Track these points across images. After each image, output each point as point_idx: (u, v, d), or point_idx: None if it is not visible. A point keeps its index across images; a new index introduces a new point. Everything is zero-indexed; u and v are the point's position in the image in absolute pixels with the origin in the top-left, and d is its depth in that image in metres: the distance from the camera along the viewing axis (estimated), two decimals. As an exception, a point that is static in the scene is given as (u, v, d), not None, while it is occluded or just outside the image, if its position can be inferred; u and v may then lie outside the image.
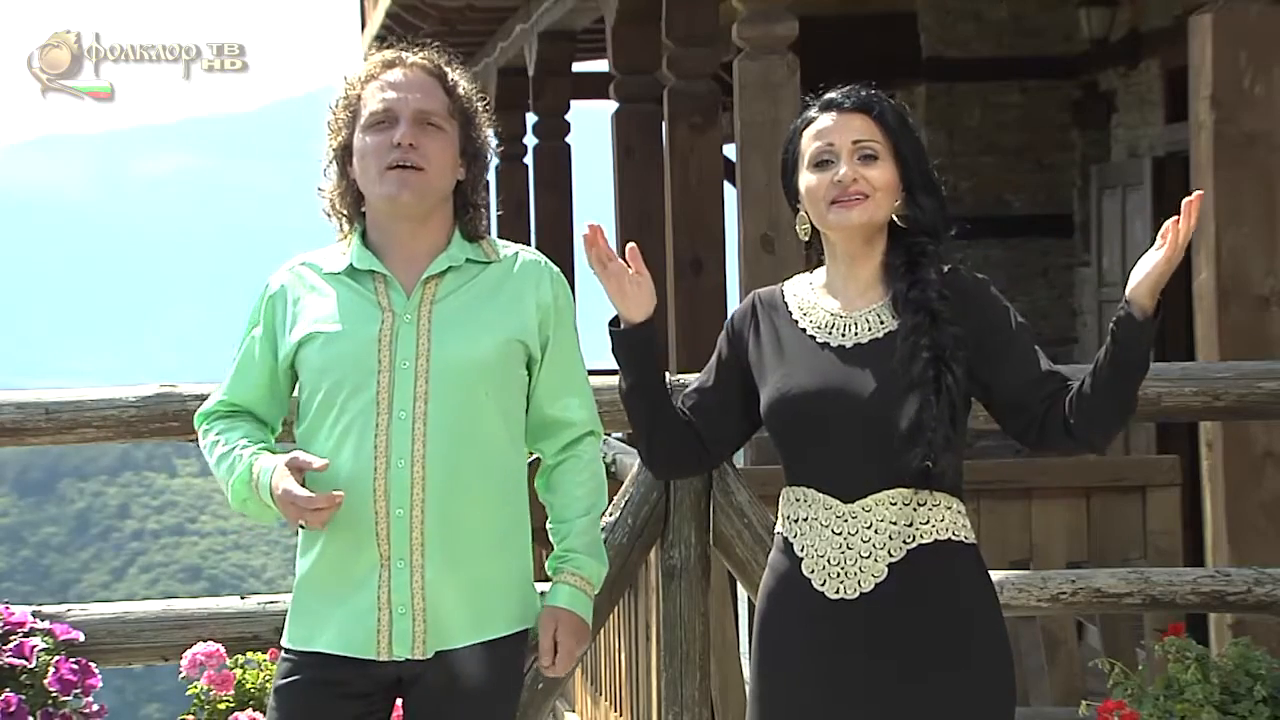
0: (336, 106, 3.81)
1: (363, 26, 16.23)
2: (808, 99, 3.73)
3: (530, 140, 13.43)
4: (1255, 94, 5.66)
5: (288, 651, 3.80)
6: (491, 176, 16.59)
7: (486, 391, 3.75)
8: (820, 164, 3.62)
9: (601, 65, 12.77)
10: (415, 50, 3.85)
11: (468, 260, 3.79)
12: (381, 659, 3.71)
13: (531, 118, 13.12)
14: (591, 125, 15.24)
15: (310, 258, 3.86)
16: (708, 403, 3.77)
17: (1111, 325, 3.58)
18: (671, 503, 4.75)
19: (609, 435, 7.19)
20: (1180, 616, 5.14)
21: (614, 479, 6.72)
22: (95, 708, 4.40)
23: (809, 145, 3.64)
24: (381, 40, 14.70)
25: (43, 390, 4.76)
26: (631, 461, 5.39)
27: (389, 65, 3.79)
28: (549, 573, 3.90)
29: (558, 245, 12.65)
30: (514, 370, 3.79)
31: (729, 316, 3.82)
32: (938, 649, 3.53)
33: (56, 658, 4.37)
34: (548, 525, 3.94)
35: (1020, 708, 5.77)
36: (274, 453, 3.78)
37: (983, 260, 12.63)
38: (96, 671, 4.42)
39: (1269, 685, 4.37)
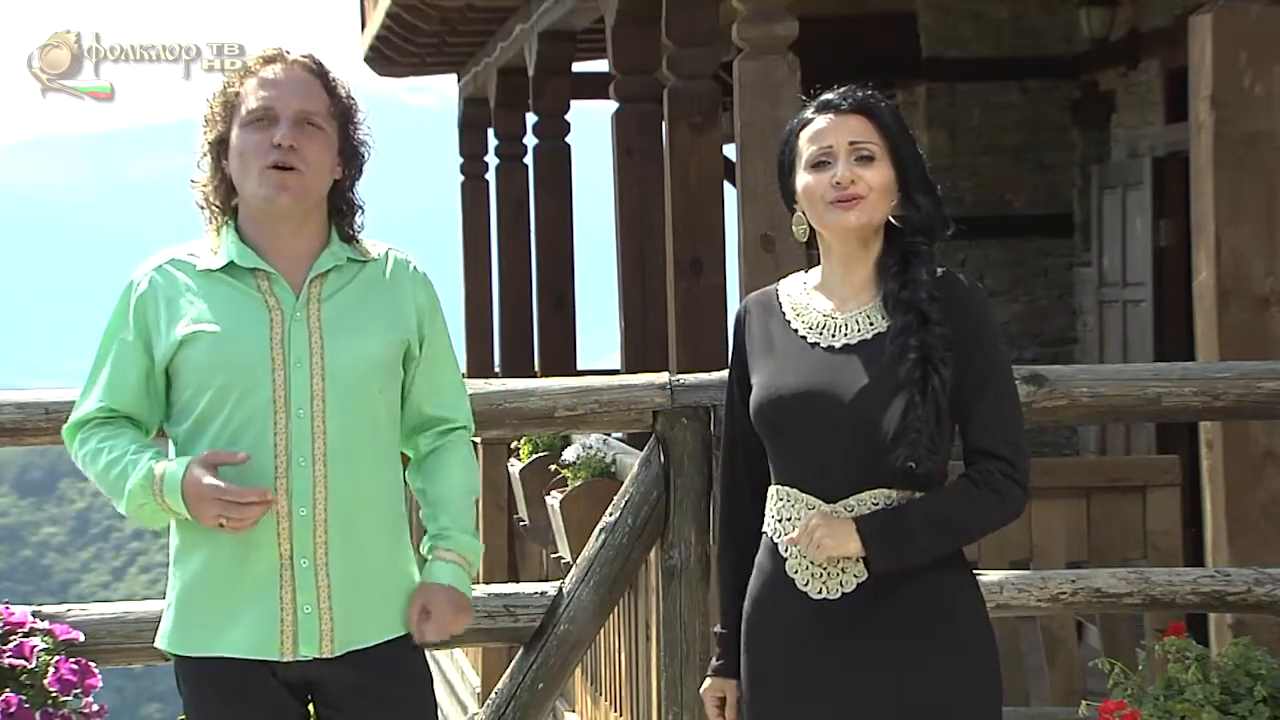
0: (213, 99, 3.77)
1: (363, 26, 16.21)
2: (804, 99, 3.73)
3: (530, 140, 13.41)
4: (1255, 94, 5.65)
5: (185, 659, 3.77)
6: (491, 176, 16.47)
7: (379, 388, 3.76)
8: (817, 165, 3.61)
9: (601, 65, 12.76)
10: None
11: (348, 259, 3.79)
12: (286, 659, 3.70)
13: (531, 118, 13.10)
14: (591, 125, 15.25)
15: (177, 254, 3.81)
16: (758, 451, 3.71)
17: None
18: (671, 503, 4.75)
19: (608, 435, 7.20)
20: (1180, 616, 5.14)
21: (614, 479, 6.73)
22: (95, 708, 4.39)
23: (806, 147, 3.63)
24: (382, 40, 14.70)
25: (43, 390, 4.75)
26: (631, 461, 5.39)
27: (269, 61, 3.76)
28: (424, 552, 3.87)
29: (557, 245, 12.64)
30: (398, 367, 3.81)
31: (731, 340, 3.79)
32: (920, 649, 3.53)
33: (56, 658, 4.36)
34: (420, 513, 3.91)
35: (1020, 708, 5.77)
36: (167, 458, 3.73)
37: (983, 260, 12.64)
38: (96, 671, 4.42)
39: (1269, 685, 4.37)
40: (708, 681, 3.79)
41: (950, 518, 3.54)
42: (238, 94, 3.74)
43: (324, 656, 3.70)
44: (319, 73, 3.78)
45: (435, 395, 3.89)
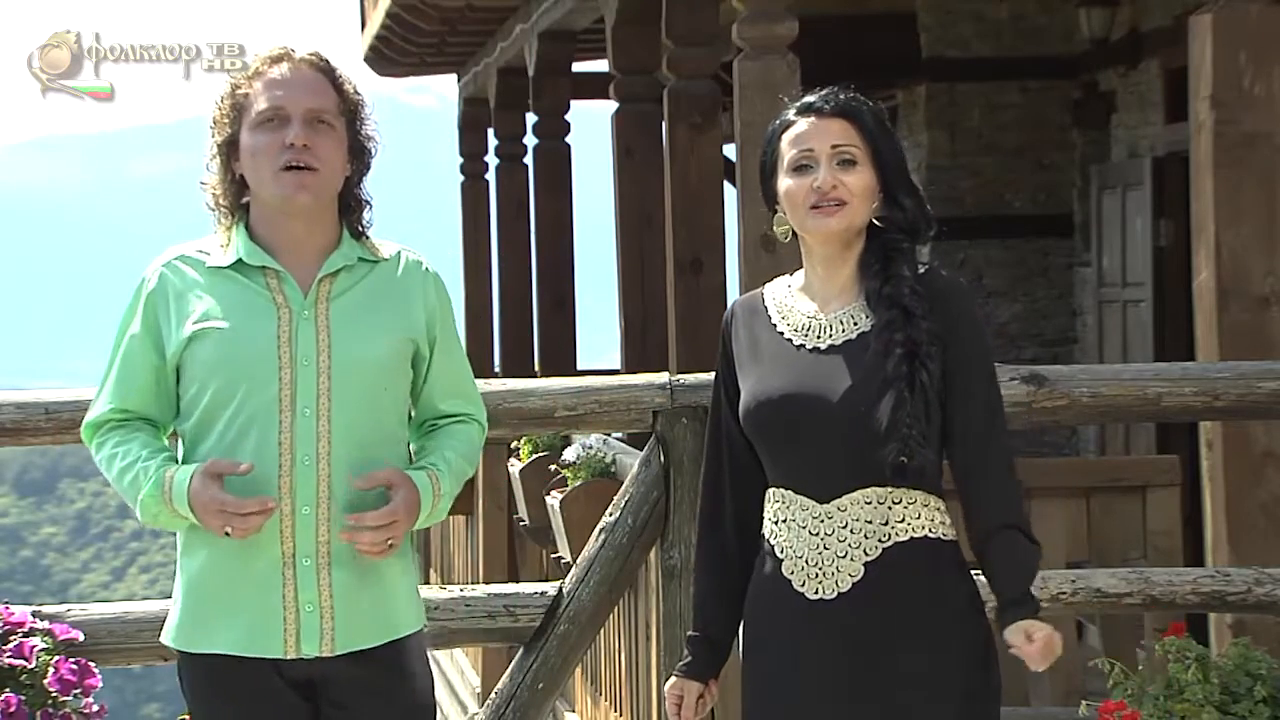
0: (221, 102, 3.78)
1: (363, 26, 16.22)
2: (784, 100, 3.74)
3: (530, 140, 13.41)
4: (1255, 94, 5.65)
5: (188, 655, 3.77)
6: (491, 176, 16.46)
7: (385, 388, 3.76)
8: (799, 169, 3.62)
9: (601, 65, 12.75)
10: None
11: (359, 259, 3.80)
12: (290, 657, 3.70)
13: (531, 118, 13.10)
14: (591, 125, 15.24)
15: (186, 250, 3.81)
16: (751, 467, 3.71)
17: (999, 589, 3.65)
18: (671, 503, 4.76)
19: (608, 435, 7.20)
20: (1180, 616, 5.15)
21: (614, 479, 6.72)
22: (95, 708, 4.40)
23: (787, 150, 3.63)
24: (382, 40, 14.70)
25: (43, 390, 4.76)
26: (631, 461, 5.39)
27: (276, 61, 3.77)
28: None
29: (557, 245, 12.64)
30: (406, 368, 3.81)
31: (719, 343, 3.79)
32: (916, 647, 3.54)
33: (56, 658, 4.36)
34: (413, 450, 3.88)
35: (1020, 707, 5.77)
36: (178, 462, 3.75)
37: (983, 260, 12.64)
38: (96, 671, 4.42)
39: (1269, 685, 4.38)
40: (670, 680, 3.80)
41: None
42: (246, 95, 3.75)
43: (325, 655, 3.71)
44: (326, 70, 3.79)
45: (449, 394, 3.89)
